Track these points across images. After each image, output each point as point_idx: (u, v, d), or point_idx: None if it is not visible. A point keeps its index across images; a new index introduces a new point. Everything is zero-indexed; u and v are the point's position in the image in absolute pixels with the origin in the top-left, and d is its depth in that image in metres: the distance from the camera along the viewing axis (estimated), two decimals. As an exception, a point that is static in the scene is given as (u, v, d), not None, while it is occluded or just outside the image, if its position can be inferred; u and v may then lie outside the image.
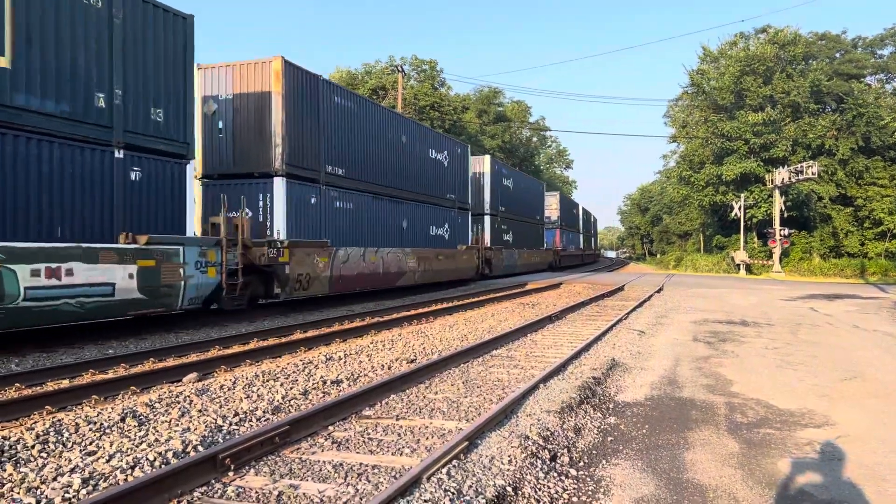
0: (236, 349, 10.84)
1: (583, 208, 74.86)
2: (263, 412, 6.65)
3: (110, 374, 8.56)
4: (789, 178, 43.55)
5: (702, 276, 45.57)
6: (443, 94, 59.10)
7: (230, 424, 6.22)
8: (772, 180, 45.16)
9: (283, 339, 11.97)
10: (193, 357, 10.08)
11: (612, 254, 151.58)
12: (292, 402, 7.15)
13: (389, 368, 9.21)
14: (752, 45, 54.06)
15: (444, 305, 18.28)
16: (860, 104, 48.22)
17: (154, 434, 5.80)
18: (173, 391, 7.43)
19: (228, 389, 7.56)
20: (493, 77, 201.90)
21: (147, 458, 5.14)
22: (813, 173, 42.02)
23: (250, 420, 6.40)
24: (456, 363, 9.54)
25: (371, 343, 11.40)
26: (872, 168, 49.30)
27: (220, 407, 6.80)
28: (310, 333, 12.77)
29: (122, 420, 6.15)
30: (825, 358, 10.57)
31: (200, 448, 5.48)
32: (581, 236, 71.23)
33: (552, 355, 10.37)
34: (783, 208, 44.97)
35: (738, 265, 47.04)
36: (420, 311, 16.78)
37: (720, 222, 57.56)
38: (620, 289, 26.87)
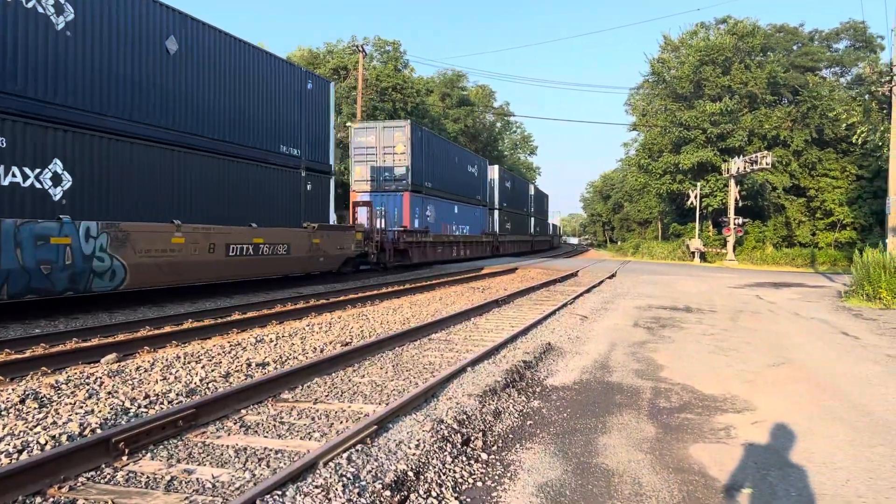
0: (167, 329, 10.56)
1: (535, 188, 73.34)
2: (177, 395, 6.44)
3: (27, 354, 8.23)
4: (745, 168, 44.17)
5: (657, 262, 46.12)
6: (406, 75, 58.57)
7: (138, 407, 6.00)
8: (727, 170, 45.76)
9: (219, 321, 11.69)
10: (121, 337, 9.78)
11: (574, 240, 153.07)
12: (210, 385, 6.94)
13: (321, 351, 9.04)
14: (713, 35, 54.59)
15: (393, 289, 18.10)
16: (815, 97, 49.06)
17: (53, 417, 5.56)
18: (86, 372, 7.17)
19: (145, 371, 7.31)
20: (457, 60, 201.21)
21: (38, 442, 4.91)
22: (767, 164, 42.67)
23: (161, 403, 6.19)
24: (391, 346, 9.41)
25: (307, 326, 11.20)
26: (825, 160, 50.27)
27: (132, 389, 6.56)
28: (249, 315, 12.54)
29: (22, 402, 5.89)
30: (759, 344, 10.68)
31: (99, 431, 5.26)
32: (532, 219, 68.80)
33: (491, 339, 10.30)
34: (738, 198, 45.65)
35: (693, 253, 47.69)
36: (366, 294, 16.60)
37: (677, 210, 58.28)
38: (574, 274, 27.00)
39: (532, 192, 60.71)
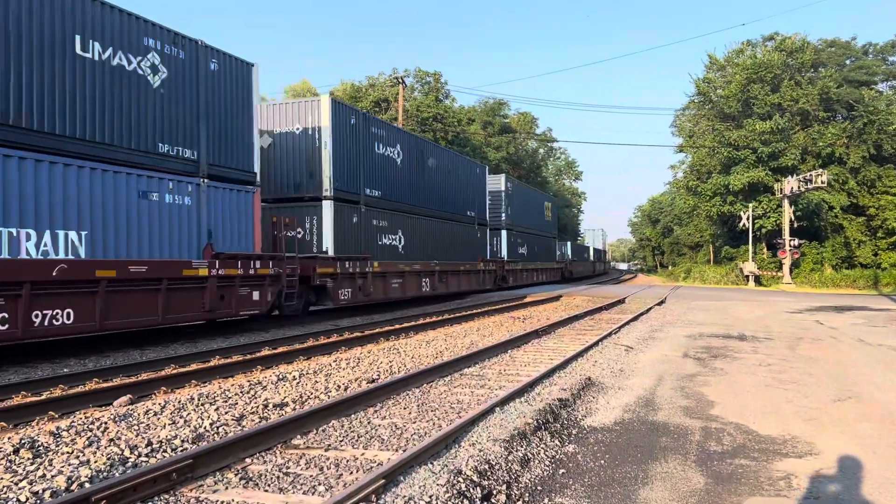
0: (193, 367, 10.22)
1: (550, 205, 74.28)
2: (182, 441, 6.01)
3: (43, 397, 7.95)
4: (798, 188, 42.66)
5: (709, 287, 44.64)
6: (447, 106, 58.66)
7: (138, 456, 5.58)
8: (780, 189, 44.26)
9: (248, 357, 11.33)
10: (144, 376, 9.47)
11: (623, 266, 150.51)
12: (220, 429, 6.51)
13: (345, 389, 8.55)
14: (759, 53, 53.30)
15: (430, 319, 17.59)
16: (871, 111, 47.26)
17: (44, 469, 5.16)
18: (92, 416, 6.81)
19: (154, 415, 6.92)
20: (498, 87, 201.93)
21: (18, 500, 4.51)
22: (823, 182, 41.13)
23: (164, 450, 5.76)
24: (419, 383, 8.87)
25: (334, 361, 10.74)
26: (885, 176, 48.25)
27: (136, 435, 6.16)
28: (279, 350, 12.18)
29: (16, 451, 5.52)
30: (821, 376, 9.81)
31: (88, 485, 4.85)
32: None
33: (526, 374, 9.67)
34: (793, 218, 44.04)
35: (747, 277, 46.06)
36: (402, 325, 16.12)
37: (729, 233, 56.59)
38: (621, 301, 26.10)
39: (549, 208, 50.65)
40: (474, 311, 20.68)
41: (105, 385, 8.56)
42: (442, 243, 26.36)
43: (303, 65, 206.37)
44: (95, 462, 5.34)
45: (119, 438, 6.03)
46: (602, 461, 5.76)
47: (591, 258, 73.67)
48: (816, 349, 12.69)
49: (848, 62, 55.79)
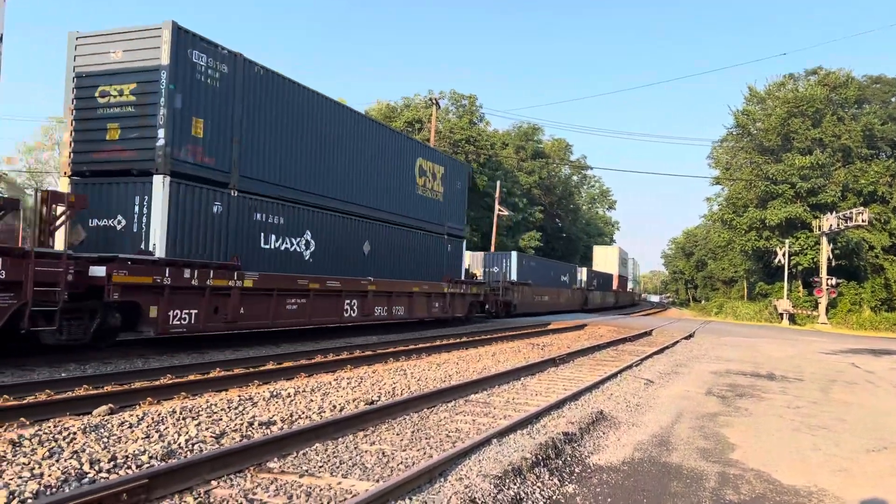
0: (191, 378, 9.84)
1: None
2: (150, 457, 5.57)
3: (26, 401, 7.60)
4: (838, 225, 41.41)
5: (741, 324, 43.37)
6: (480, 129, 58.44)
7: (98, 471, 5.16)
8: (819, 227, 43.01)
9: (251, 370, 10.94)
10: (137, 384, 9.11)
11: (655, 298, 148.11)
12: (196, 446, 6.07)
13: (340, 410, 8.08)
14: (802, 87, 52.23)
15: (445, 342, 17.05)
16: (916, 150, 45.89)
17: (-10, 481, 4.77)
18: (62, 425, 6.41)
19: (128, 427, 6.51)
20: (532, 110, 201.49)
21: (-53, 515, 4.11)
22: (863, 220, 39.88)
23: (127, 467, 5.33)
24: (419, 407, 8.36)
25: (335, 380, 10.27)
26: (929, 217, 46.69)
27: (103, 448, 5.75)
28: (283, 364, 11.77)
29: (-33, 460, 5.14)
30: (855, 422, 9.07)
31: (31, 502, 4.43)
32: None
33: (535, 404, 9.10)
34: (831, 256, 42.71)
35: (781, 314, 44.69)
36: (415, 346, 15.62)
37: (764, 269, 55.18)
38: (647, 333, 25.29)
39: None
40: (493, 335, 20.10)
41: (91, 392, 8.20)
42: (387, 254, 20.52)
43: (339, 83, 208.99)
44: (49, 476, 4.93)
45: (83, 451, 5.62)
46: (603, 506, 5.19)
47: (616, 287, 70.06)
48: (850, 394, 11.89)
49: (894, 100, 54.37)
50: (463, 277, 26.35)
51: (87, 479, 4.99)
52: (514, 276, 34.26)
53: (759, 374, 14.25)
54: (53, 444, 5.77)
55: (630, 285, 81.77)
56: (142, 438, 6.17)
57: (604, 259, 70.83)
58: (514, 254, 34.91)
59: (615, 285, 68.39)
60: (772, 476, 6.20)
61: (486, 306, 30.34)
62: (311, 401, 8.52)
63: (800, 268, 47.87)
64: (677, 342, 21.62)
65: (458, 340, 17.69)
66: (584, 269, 54.22)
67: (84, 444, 5.81)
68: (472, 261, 33.16)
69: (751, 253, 53.71)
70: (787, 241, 46.47)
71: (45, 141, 55.18)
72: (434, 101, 45.89)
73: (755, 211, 50.02)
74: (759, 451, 7.19)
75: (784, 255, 45.56)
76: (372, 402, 8.61)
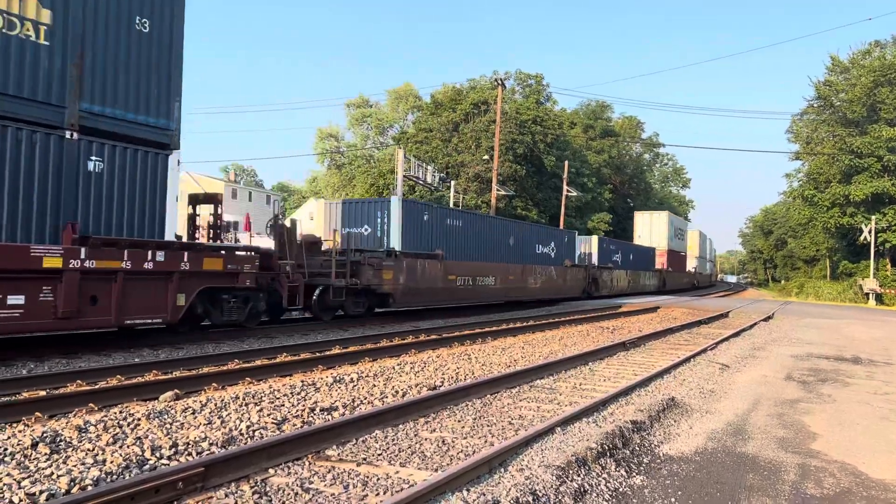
0: (258, 363, 9.96)
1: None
2: (211, 444, 5.59)
3: (98, 386, 7.80)
4: (930, 199, 38.95)
5: (824, 304, 41.47)
6: (547, 108, 57.53)
7: (159, 458, 5.19)
8: (909, 201, 40.59)
9: (317, 354, 11.00)
10: (205, 370, 9.26)
11: (732, 278, 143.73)
12: (256, 433, 6.06)
13: (402, 395, 7.99)
14: (889, 54, 49.24)
15: (512, 325, 16.82)
16: None
17: (54, 467, 4.83)
18: (128, 411, 6.52)
19: (192, 413, 6.56)
20: (602, 88, 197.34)
21: (11, 501, 4.17)
22: (959, 194, 37.36)
23: (188, 453, 5.35)
24: (482, 393, 8.19)
25: (399, 365, 10.19)
26: None
27: (165, 434, 5.80)
28: (349, 349, 11.80)
29: (34, 446, 5.24)
30: (952, 410, 8.42)
31: (90, 488, 4.47)
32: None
33: (603, 390, 8.80)
34: (922, 232, 40.27)
35: (867, 294, 42.51)
36: (480, 330, 15.45)
37: (849, 247, 52.60)
38: (724, 315, 24.39)
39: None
40: (560, 318, 19.74)
41: (159, 378, 8.36)
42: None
43: (406, 67, 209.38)
44: (111, 462, 4.98)
45: (146, 437, 5.67)
46: (673, 499, 4.91)
47: (694, 269, 68.25)
48: (947, 378, 11.09)
49: None
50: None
51: (147, 466, 5.03)
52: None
53: (844, 357, 13.49)
54: (118, 430, 5.86)
55: (707, 266, 79.09)
56: (204, 425, 6.20)
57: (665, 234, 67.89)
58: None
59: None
60: (858, 469, 5.76)
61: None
62: (374, 386, 8.45)
63: (888, 245, 45.39)
64: (755, 324, 20.76)
65: (524, 324, 17.43)
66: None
67: (147, 431, 5.87)
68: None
69: (834, 230, 51.28)
70: (873, 217, 44.09)
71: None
72: (499, 82, 45.31)
73: (838, 186, 47.64)
74: (843, 441, 6.72)
75: (870, 232, 43.27)
76: (434, 388, 8.48)
